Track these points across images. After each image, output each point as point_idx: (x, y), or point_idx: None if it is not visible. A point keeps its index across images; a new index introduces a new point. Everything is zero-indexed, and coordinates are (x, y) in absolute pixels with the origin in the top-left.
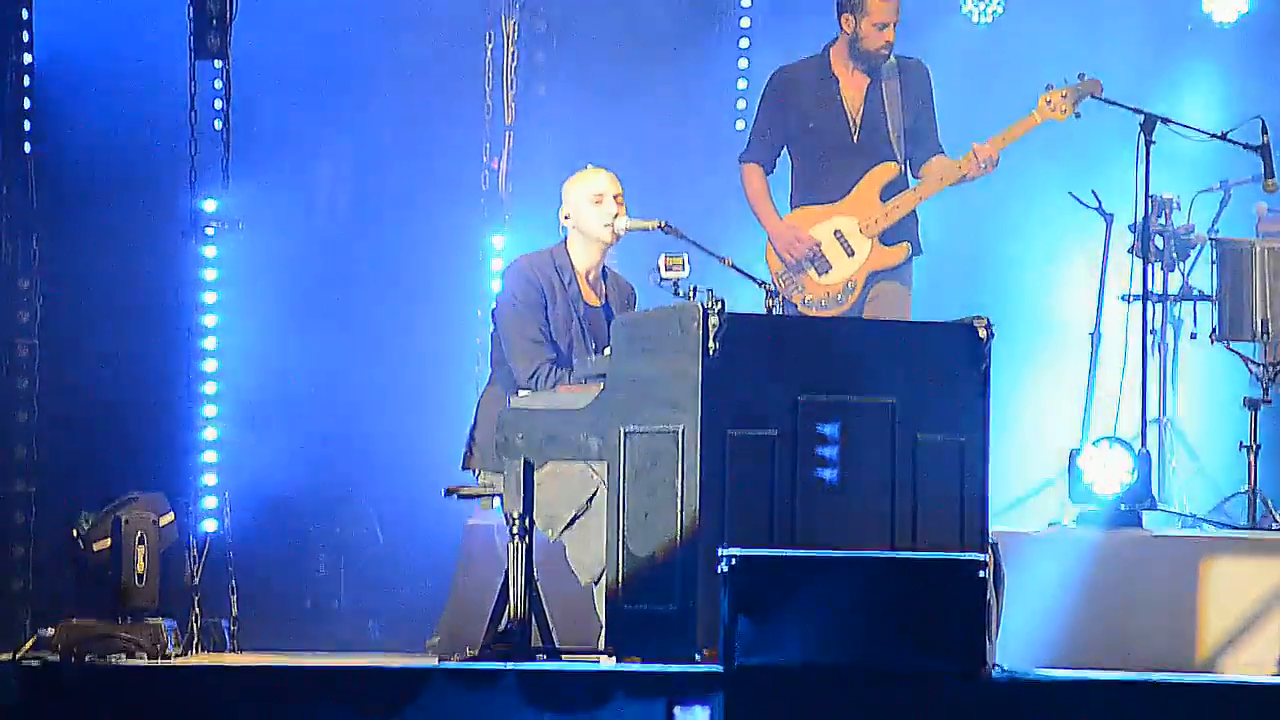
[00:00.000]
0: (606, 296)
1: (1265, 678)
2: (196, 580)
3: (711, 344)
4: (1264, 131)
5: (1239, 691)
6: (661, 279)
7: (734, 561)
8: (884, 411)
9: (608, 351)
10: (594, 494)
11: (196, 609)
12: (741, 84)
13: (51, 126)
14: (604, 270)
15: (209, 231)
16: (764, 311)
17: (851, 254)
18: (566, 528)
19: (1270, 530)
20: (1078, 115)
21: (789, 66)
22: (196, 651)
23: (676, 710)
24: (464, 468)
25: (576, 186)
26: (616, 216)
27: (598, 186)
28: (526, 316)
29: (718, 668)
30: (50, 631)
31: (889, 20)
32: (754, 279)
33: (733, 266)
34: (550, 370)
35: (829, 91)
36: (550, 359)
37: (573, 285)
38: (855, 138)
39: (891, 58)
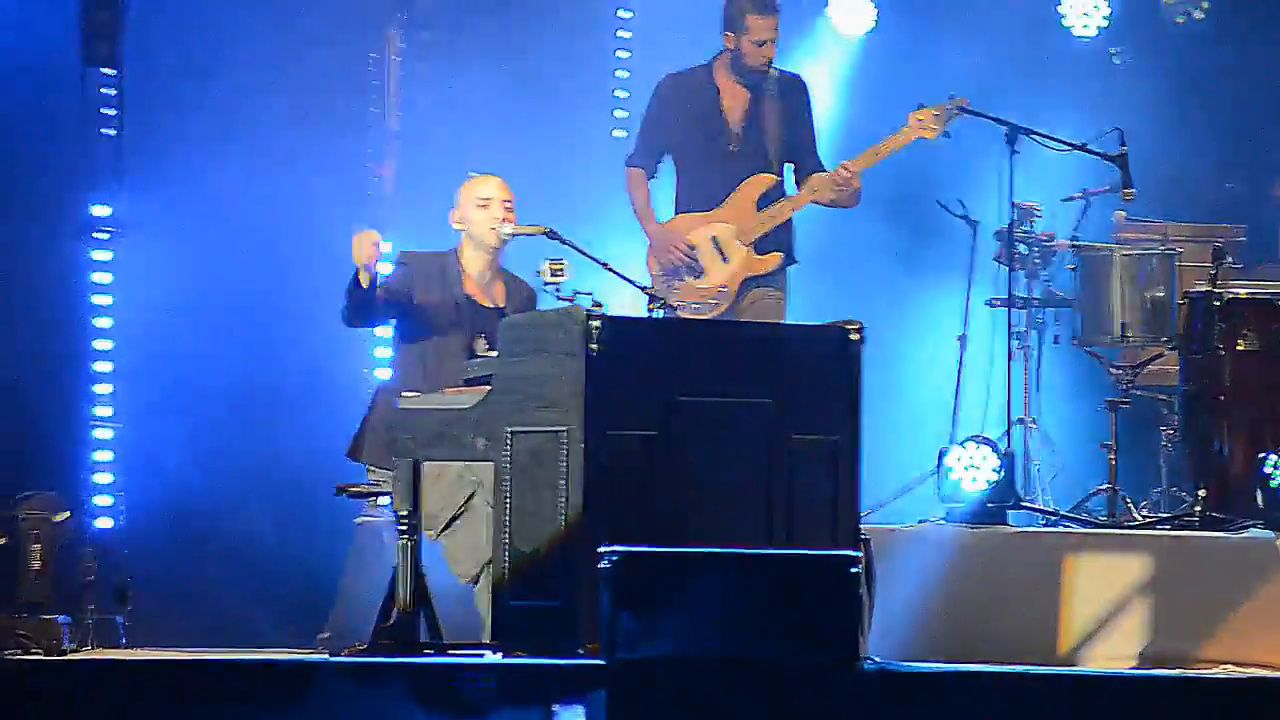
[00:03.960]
0: (504, 299)
1: (1123, 670)
2: (91, 576)
3: (593, 346)
4: (1122, 143)
5: (1098, 683)
6: (545, 284)
7: (615, 558)
8: (761, 412)
9: (494, 353)
10: (471, 495)
11: (91, 605)
12: (621, 94)
13: None
14: (503, 273)
15: (101, 236)
16: (645, 315)
17: (726, 260)
18: (445, 528)
19: (1129, 526)
20: (948, 135)
21: (676, 74)
22: (91, 647)
23: (555, 710)
24: (349, 456)
25: (466, 191)
26: (503, 222)
27: (485, 192)
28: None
29: (600, 661)
30: None
31: (768, 38)
32: (635, 284)
33: (614, 272)
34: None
35: (711, 102)
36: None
37: (459, 286)
38: (734, 148)
39: (773, 71)
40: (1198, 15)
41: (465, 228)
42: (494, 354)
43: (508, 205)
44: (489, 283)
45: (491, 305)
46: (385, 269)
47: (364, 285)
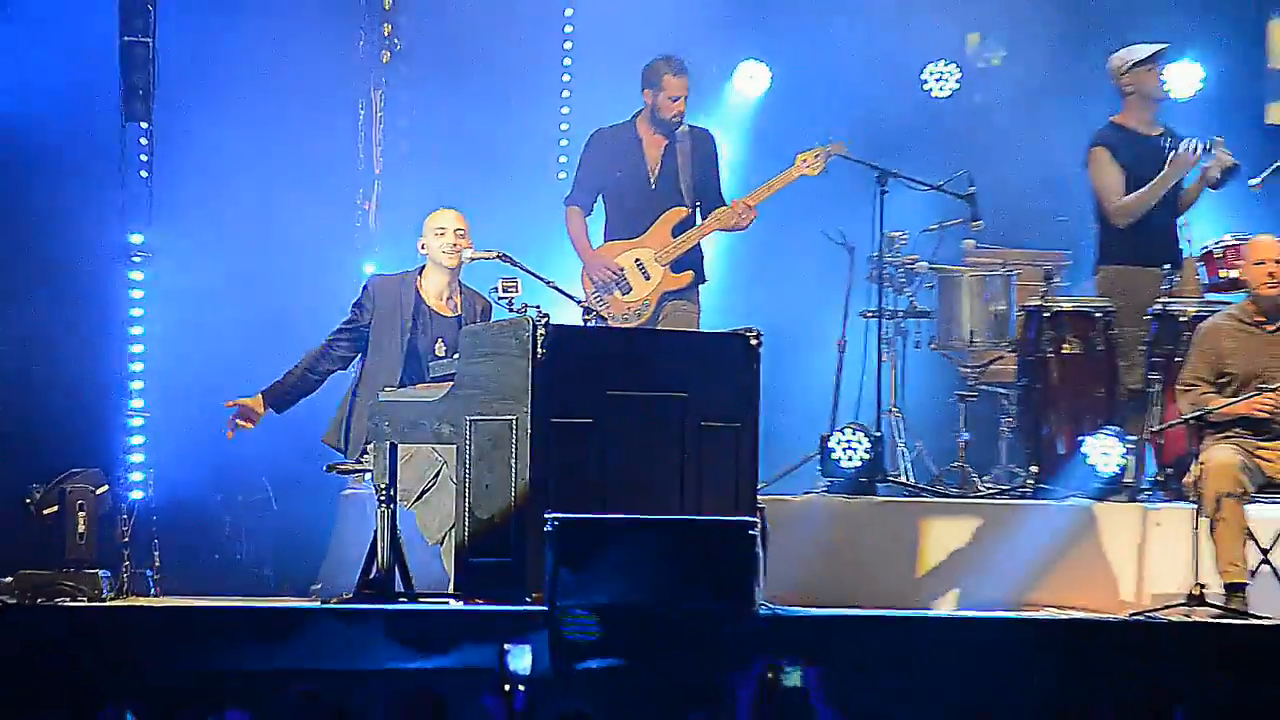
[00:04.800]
0: (461, 309)
1: (968, 612)
2: (126, 538)
3: (539, 350)
4: (970, 184)
5: (949, 622)
6: (499, 298)
7: (557, 523)
8: (676, 404)
9: (456, 356)
10: (438, 472)
11: (126, 561)
12: (564, 143)
13: (11, 174)
14: (461, 287)
15: (136, 259)
16: (581, 324)
17: (648, 278)
18: (417, 499)
19: (974, 497)
20: (827, 171)
21: (604, 129)
22: (126, 595)
23: (507, 646)
24: (326, 442)
25: (427, 222)
26: (455, 248)
27: (442, 222)
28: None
29: (544, 607)
30: (9, 580)
31: (680, 94)
32: (573, 298)
33: (556, 289)
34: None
35: (634, 150)
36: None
37: (420, 302)
38: (654, 187)
39: (685, 125)
40: (995, 61)
41: (427, 252)
42: (455, 356)
43: (460, 233)
44: (448, 296)
45: (451, 315)
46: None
47: (280, 407)
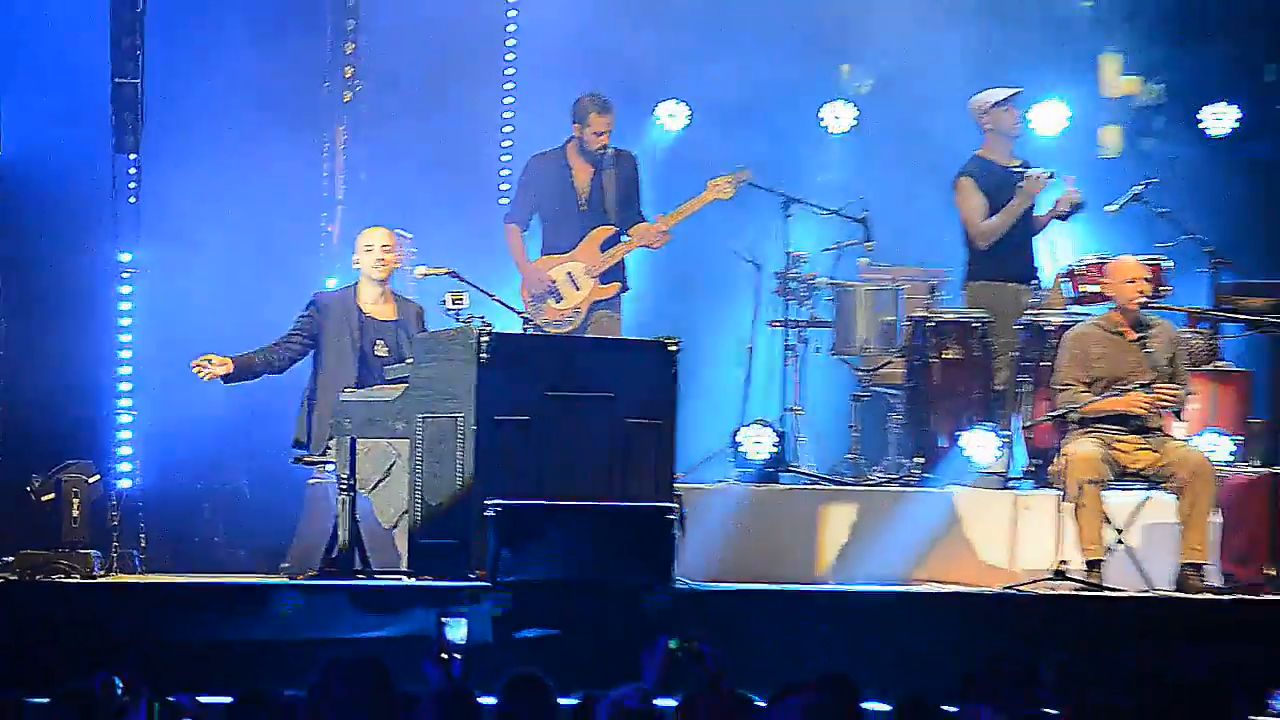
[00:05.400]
0: (396, 315)
1: (861, 586)
2: (115, 522)
3: (483, 355)
4: (865, 209)
5: (844, 595)
6: (448, 309)
7: (498, 509)
8: (604, 403)
9: (410, 360)
10: (393, 464)
11: (115, 543)
12: (505, 172)
13: (16, 201)
14: (394, 295)
15: (125, 275)
16: (521, 333)
17: (578, 289)
18: (374, 487)
19: (866, 485)
20: (736, 197)
21: (538, 155)
22: (115, 573)
23: (444, 619)
24: (298, 445)
25: (359, 240)
26: (383, 261)
27: (370, 240)
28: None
29: (486, 584)
30: (10, 559)
31: (604, 130)
32: (514, 309)
33: (498, 301)
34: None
35: (564, 175)
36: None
37: (360, 312)
38: (583, 207)
39: (610, 150)
40: (864, 89)
41: (360, 266)
42: (407, 360)
43: (386, 248)
44: (383, 304)
45: (387, 320)
46: (221, 366)
47: (233, 377)
